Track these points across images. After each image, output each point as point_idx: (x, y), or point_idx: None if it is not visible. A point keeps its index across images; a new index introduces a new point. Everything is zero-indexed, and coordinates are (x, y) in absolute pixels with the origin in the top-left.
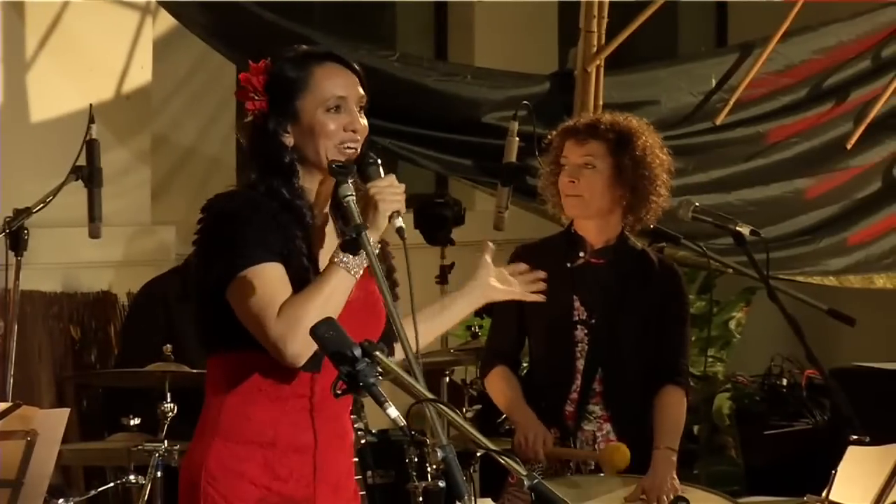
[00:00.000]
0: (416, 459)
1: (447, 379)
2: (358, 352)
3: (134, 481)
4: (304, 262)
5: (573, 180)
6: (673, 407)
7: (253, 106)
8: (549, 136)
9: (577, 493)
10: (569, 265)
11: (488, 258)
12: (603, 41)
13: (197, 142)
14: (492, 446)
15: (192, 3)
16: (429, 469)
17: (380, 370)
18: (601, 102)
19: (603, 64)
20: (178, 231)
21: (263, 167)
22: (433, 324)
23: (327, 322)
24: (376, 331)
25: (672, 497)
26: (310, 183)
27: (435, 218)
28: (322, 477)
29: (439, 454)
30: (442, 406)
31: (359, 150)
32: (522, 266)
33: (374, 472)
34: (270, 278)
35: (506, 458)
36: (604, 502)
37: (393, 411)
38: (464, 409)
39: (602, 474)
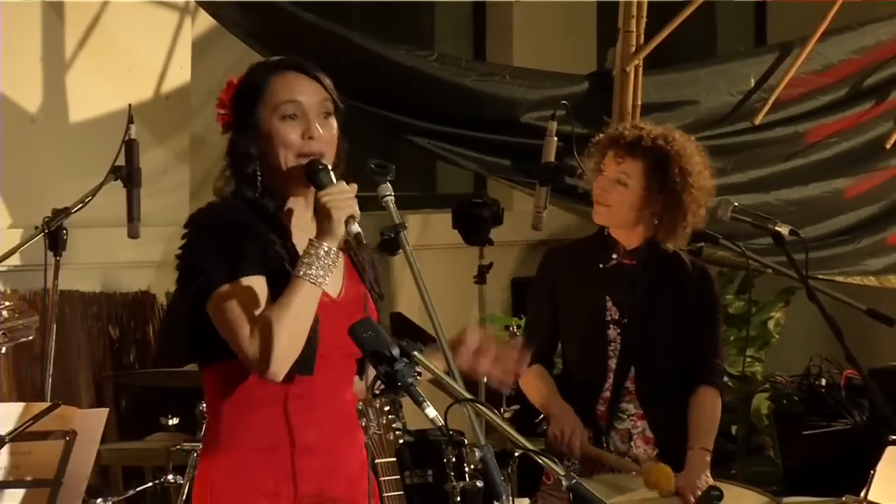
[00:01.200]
0: (453, 459)
1: (485, 379)
2: (396, 351)
3: (172, 481)
4: (287, 269)
5: (604, 191)
6: (707, 407)
7: (222, 119)
8: (597, 137)
9: (609, 490)
10: (601, 266)
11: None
12: (642, 41)
13: None
14: (530, 446)
15: (231, 3)
16: (466, 469)
17: (418, 370)
18: (640, 102)
19: (642, 64)
20: None
21: (236, 179)
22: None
23: (366, 322)
24: None
25: None
26: (283, 190)
27: (473, 218)
28: (331, 474)
29: (477, 454)
30: (480, 406)
31: (324, 157)
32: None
33: (412, 472)
34: (245, 294)
35: (544, 458)
36: (637, 497)
37: (431, 411)
38: (501, 409)
39: (634, 473)
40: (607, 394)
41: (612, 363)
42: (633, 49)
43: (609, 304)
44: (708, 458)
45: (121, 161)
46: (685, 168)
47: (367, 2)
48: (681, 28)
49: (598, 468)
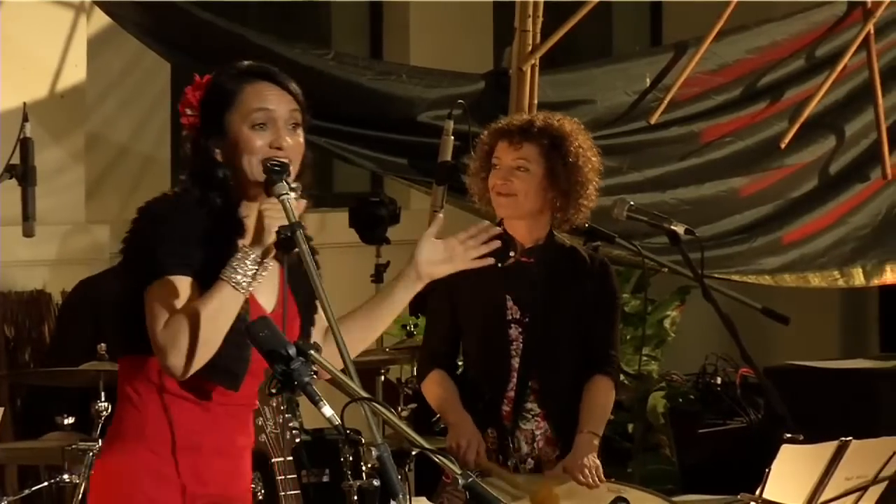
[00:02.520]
0: (351, 458)
1: (382, 378)
2: (293, 350)
3: (68, 480)
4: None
5: (506, 181)
6: (599, 394)
7: (187, 121)
8: (480, 136)
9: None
10: (499, 265)
11: (430, 232)
12: (538, 40)
13: (131, 140)
14: (427, 445)
15: (127, 2)
16: (364, 468)
17: (314, 369)
18: (536, 101)
19: (538, 63)
20: (112, 230)
21: (197, 181)
22: (374, 318)
23: (262, 320)
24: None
25: (595, 472)
26: (242, 194)
27: (370, 217)
28: (238, 479)
29: (374, 453)
30: (377, 405)
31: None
32: (462, 235)
33: (309, 472)
34: (175, 291)
35: (441, 457)
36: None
37: (328, 410)
38: (399, 408)
39: (537, 474)
40: (511, 393)
41: (516, 362)
42: (530, 48)
43: (510, 302)
44: (596, 442)
45: (16, 160)
46: (580, 143)
47: (264, 1)
48: (577, 27)
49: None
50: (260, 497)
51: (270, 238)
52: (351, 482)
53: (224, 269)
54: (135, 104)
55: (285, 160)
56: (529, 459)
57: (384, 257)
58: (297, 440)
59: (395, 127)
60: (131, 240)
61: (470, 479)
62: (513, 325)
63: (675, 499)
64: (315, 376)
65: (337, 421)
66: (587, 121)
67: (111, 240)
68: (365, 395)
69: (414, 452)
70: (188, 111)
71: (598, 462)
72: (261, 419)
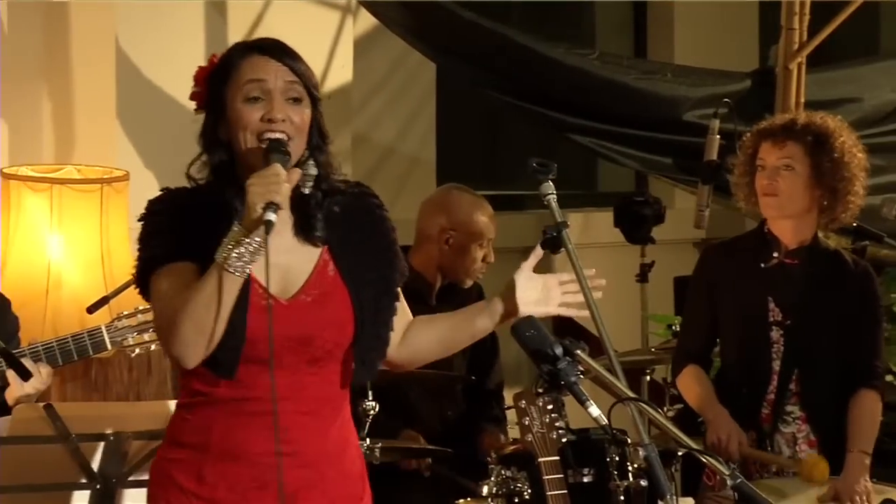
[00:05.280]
0: (617, 458)
1: (648, 378)
2: (559, 350)
3: None
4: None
5: (771, 181)
6: (867, 410)
7: (194, 98)
8: (743, 138)
9: (773, 494)
10: (762, 265)
11: (527, 265)
12: (804, 38)
13: (396, 140)
14: (694, 445)
15: (393, 2)
16: (630, 468)
17: (581, 369)
18: (802, 100)
19: (804, 61)
20: None
21: (206, 162)
22: (452, 337)
23: (528, 321)
24: (342, 331)
25: (865, 499)
26: (245, 175)
27: (635, 216)
28: (264, 486)
29: (641, 453)
30: (643, 405)
31: (289, 142)
32: (566, 276)
33: (575, 471)
34: (168, 279)
35: (708, 457)
36: (797, 502)
37: (595, 410)
38: (665, 408)
39: (793, 472)
40: (771, 396)
41: (776, 365)
42: (796, 46)
43: (771, 304)
44: (867, 462)
45: None
46: (844, 139)
47: (528, 1)
48: (843, 25)
49: (757, 472)
50: (526, 496)
51: (255, 214)
52: (618, 482)
53: (217, 251)
54: (400, 104)
55: (280, 135)
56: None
57: (649, 257)
58: (564, 440)
59: (659, 126)
60: (137, 244)
61: (738, 480)
62: (774, 328)
63: None
64: (581, 376)
65: (604, 421)
66: (854, 119)
67: None
68: (632, 395)
69: (680, 453)
70: (196, 88)
71: (869, 486)
72: (527, 419)
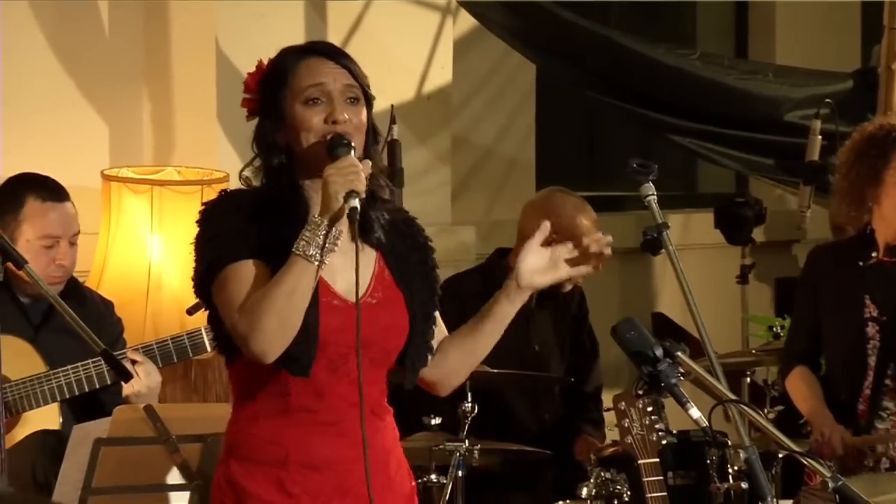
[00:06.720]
0: (717, 460)
1: (748, 380)
2: (659, 352)
3: (435, 480)
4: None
5: None
6: None
7: (246, 104)
8: (855, 141)
9: (872, 488)
10: (861, 264)
11: (535, 240)
12: None
13: (496, 142)
14: (795, 447)
15: (493, 2)
16: (730, 470)
17: (681, 370)
18: None
19: None
20: (477, 231)
21: (265, 170)
22: (477, 337)
23: (628, 322)
24: (401, 336)
25: None
26: (308, 175)
27: (735, 217)
28: (345, 493)
29: (742, 455)
30: (744, 406)
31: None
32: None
33: (676, 473)
34: (240, 277)
35: (809, 459)
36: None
37: (695, 412)
38: (765, 410)
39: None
40: (867, 392)
41: (872, 361)
42: None
43: (868, 301)
44: None
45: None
46: None
47: (628, 1)
48: None
49: (857, 468)
50: (626, 498)
51: (336, 204)
52: (718, 484)
53: (295, 244)
54: (499, 105)
55: (345, 135)
56: (884, 458)
57: (749, 258)
58: (664, 442)
59: (760, 126)
60: (194, 243)
61: (840, 482)
62: (870, 324)
63: None
64: (682, 378)
65: (705, 423)
66: None
67: (477, 241)
68: (732, 396)
69: (781, 455)
70: (248, 95)
71: None
72: (627, 421)
